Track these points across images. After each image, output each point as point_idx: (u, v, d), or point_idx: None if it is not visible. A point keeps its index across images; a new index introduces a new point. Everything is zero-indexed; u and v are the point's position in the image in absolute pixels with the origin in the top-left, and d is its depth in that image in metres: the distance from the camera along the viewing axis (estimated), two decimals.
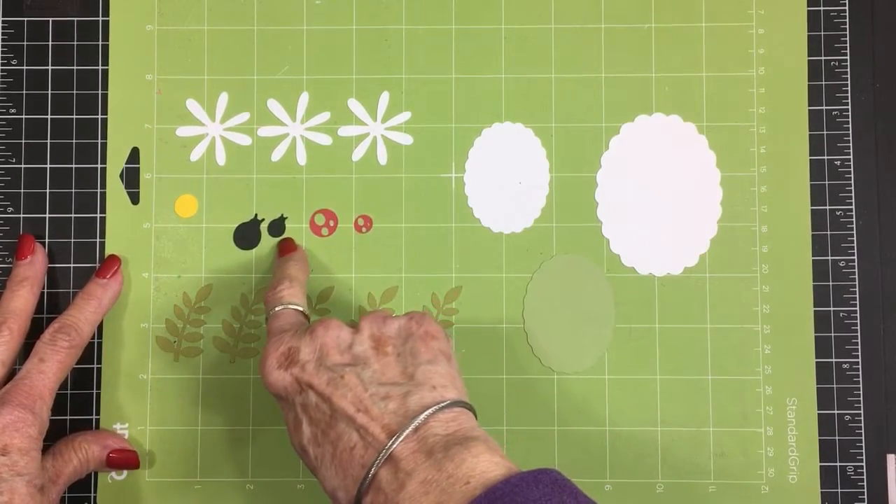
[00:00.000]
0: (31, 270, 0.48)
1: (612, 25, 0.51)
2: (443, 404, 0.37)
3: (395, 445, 0.36)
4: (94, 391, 0.50)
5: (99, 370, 0.50)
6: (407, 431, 0.36)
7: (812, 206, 0.51)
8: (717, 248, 0.50)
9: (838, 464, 0.49)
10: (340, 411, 0.38)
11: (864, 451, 0.49)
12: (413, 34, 0.51)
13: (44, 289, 0.50)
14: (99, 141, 0.51)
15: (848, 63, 0.51)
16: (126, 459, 0.48)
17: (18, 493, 0.41)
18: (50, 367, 0.45)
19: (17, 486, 0.41)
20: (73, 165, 0.51)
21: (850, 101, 0.51)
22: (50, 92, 0.51)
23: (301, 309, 0.45)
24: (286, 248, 0.50)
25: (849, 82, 0.51)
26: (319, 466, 0.38)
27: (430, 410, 0.37)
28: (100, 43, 0.51)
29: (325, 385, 0.39)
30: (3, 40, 0.51)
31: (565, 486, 0.35)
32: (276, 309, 0.44)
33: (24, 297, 0.47)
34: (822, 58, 0.51)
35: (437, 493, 0.34)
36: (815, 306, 0.50)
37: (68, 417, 0.50)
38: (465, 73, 0.51)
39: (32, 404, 0.44)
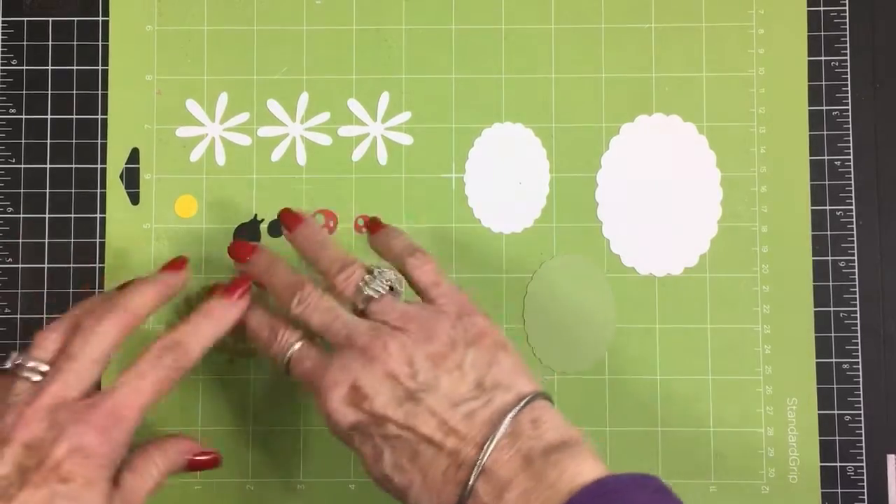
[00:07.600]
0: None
1: (612, 25, 0.51)
2: (521, 405, 0.37)
3: (486, 458, 0.36)
4: None
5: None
6: (494, 441, 0.36)
7: (812, 206, 0.50)
8: (717, 248, 0.50)
9: (838, 464, 0.49)
10: (426, 438, 0.38)
11: (864, 451, 0.49)
12: (413, 34, 0.51)
13: (43, 289, 0.49)
14: (99, 141, 0.51)
15: (848, 63, 0.51)
16: (208, 462, 0.43)
17: None
18: (146, 386, 0.39)
19: None
20: (73, 165, 0.51)
21: (850, 101, 0.51)
22: (50, 92, 0.51)
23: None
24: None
25: (849, 82, 0.51)
26: (408, 491, 0.38)
27: (511, 414, 0.37)
28: (100, 43, 0.51)
29: (403, 416, 0.38)
30: (3, 40, 0.51)
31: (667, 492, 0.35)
32: (295, 348, 0.42)
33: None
34: (822, 58, 0.51)
35: (539, 502, 0.35)
36: (815, 306, 0.50)
37: None
38: (465, 73, 0.51)
39: (112, 427, 0.37)
